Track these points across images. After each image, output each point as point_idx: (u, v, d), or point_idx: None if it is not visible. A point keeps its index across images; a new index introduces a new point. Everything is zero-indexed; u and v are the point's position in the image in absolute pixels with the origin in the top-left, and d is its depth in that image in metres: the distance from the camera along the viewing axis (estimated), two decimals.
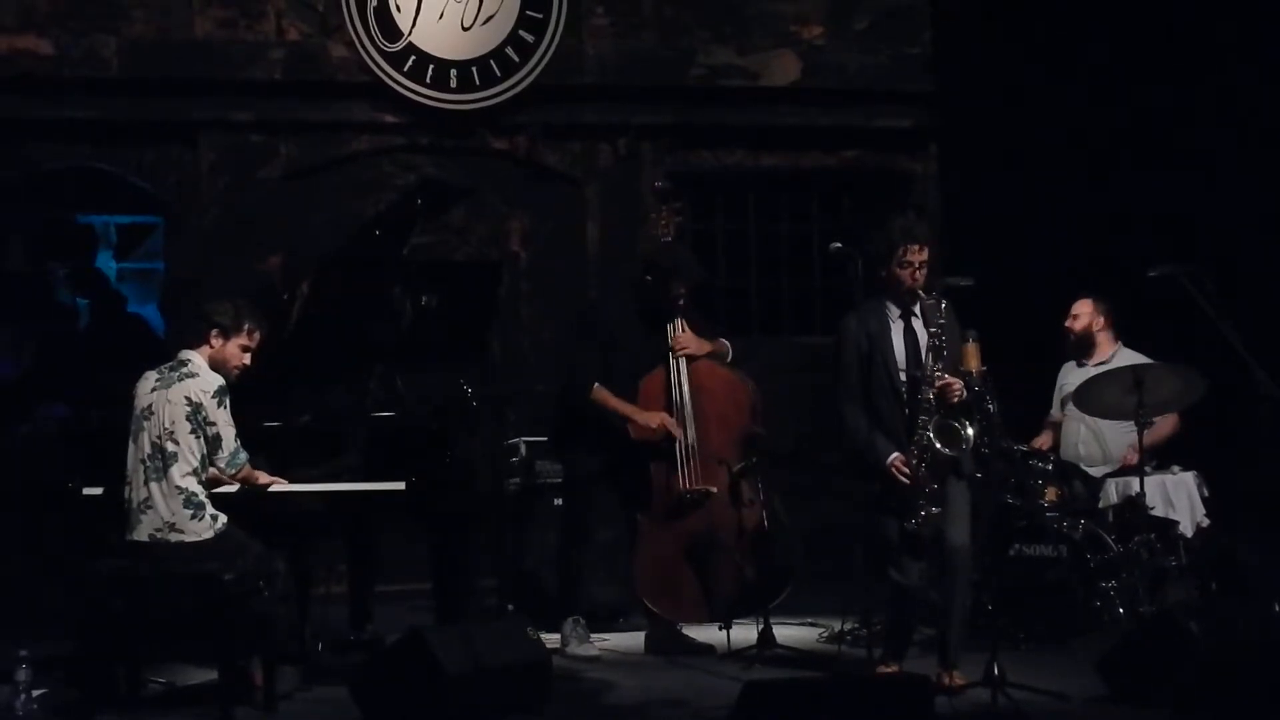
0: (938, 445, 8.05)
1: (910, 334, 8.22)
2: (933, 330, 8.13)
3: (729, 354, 9.59)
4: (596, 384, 9.28)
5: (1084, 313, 10.18)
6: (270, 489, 8.20)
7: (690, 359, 9.38)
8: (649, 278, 9.42)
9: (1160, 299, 9.51)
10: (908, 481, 8.07)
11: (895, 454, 8.09)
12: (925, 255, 8.19)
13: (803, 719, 6.89)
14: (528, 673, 7.78)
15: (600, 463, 9.38)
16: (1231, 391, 9.48)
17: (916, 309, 8.22)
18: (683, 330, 9.39)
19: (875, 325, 8.21)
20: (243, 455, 8.01)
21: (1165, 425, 9.92)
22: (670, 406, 9.30)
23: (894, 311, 8.26)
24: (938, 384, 8.08)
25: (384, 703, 7.49)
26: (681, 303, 9.37)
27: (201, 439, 7.90)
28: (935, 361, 8.11)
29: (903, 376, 8.17)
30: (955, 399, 8.10)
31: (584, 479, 9.46)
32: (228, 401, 7.94)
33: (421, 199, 9.11)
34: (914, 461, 8.07)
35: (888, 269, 8.22)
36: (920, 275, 8.18)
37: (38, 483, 9.14)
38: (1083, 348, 10.16)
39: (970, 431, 8.11)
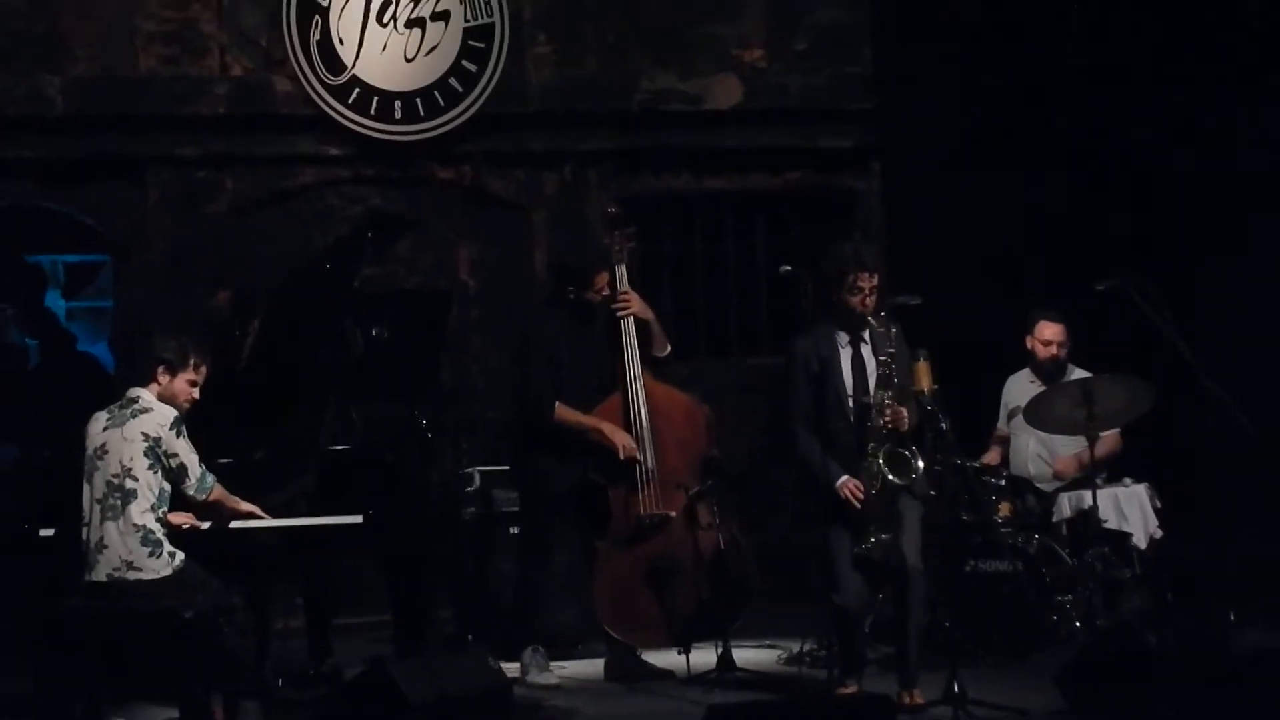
0: (888, 474, 8.10)
1: (858, 360, 8.27)
2: (882, 359, 8.18)
3: (667, 347, 9.59)
4: (558, 404, 9.29)
5: (1060, 339, 10.08)
6: (232, 524, 8.18)
7: (638, 322, 9.37)
8: (570, 288, 9.43)
9: (1107, 311, 9.57)
10: (859, 505, 8.11)
11: (845, 477, 8.13)
12: (875, 281, 8.23)
13: None
14: (489, 702, 7.79)
15: (557, 489, 9.38)
16: (1181, 401, 9.55)
17: (866, 335, 8.27)
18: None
19: (825, 350, 8.25)
20: (210, 478, 7.99)
21: (1107, 442, 9.93)
22: (629, 432, 9.30)
23: (843, 338, 8.29)
24: (887, 415, 8.12)
25: None
26: (605, 293, 9.38)
27: (160, 473, 7.86)
28: (884, 389, 8.15)
29: (851, 403, 8.22)
30: (904, 429, 8.16)
31: (541, 506, 9.45)
32: (184, 430, 7.93)
33: (371, 233, 9.13)
34: (865, 486, 8.11)
35: (837, 295, 8.25)
36: (870, 301, 8.22)
37: None
38: (1057, 373, 10.04)
39: (920, 462, 8.16)
